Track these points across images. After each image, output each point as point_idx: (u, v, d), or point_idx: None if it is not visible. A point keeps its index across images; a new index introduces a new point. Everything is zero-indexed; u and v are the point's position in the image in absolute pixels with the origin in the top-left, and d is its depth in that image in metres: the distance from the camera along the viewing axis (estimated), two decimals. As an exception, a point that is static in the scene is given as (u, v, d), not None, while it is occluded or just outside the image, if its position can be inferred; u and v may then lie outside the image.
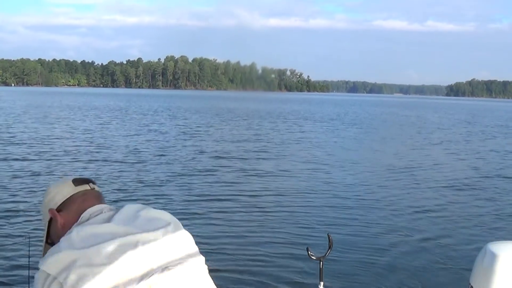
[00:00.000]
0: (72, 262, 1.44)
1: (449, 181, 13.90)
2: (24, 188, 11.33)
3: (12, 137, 21.80)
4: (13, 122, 30.10)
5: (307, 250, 2.94)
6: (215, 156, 17.61)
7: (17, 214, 9.10)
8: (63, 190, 1.77)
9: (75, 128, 27.66)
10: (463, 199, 11.64)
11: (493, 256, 2.67)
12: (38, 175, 12.99)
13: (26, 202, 10.08)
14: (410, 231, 8.68)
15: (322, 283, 3.03)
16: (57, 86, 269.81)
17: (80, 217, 1.67)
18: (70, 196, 1.75)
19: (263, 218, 9.37)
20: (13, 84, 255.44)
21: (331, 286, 5.58)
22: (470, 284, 2.85)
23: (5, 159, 15.55)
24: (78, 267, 1.43)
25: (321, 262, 2.98)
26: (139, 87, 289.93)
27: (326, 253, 2.97)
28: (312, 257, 2.96)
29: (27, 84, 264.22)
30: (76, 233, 1.54)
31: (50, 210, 1.73)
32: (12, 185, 11.56)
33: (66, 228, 1.65)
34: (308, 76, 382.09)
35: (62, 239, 1.54)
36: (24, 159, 15.69)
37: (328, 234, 3.01)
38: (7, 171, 13.38)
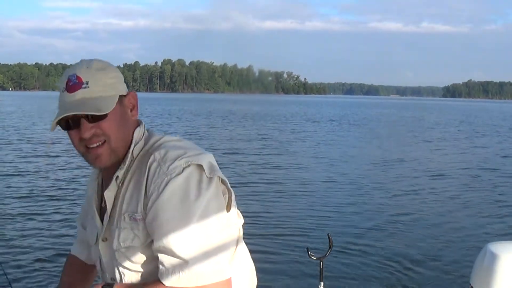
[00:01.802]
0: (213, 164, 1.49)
1: (448, 182, 13.88)
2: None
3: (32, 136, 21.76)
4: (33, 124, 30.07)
5: (307, 250, 2.93)
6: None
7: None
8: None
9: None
10: (463, 199, 11.62)
11: (493, 256, 2.67)
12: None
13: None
14: (410, 231, 8.66)
15: (322, 283, 3.02)
16: (54, 90, 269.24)
17: (143, 124, 1.62)
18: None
19: (263, 218, 9.35)
20: (10, 89, 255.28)
21: (331, 286, 5.58)
22: (470, 284, 2.85)
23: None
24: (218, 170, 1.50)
25: (321, 262, 2.96)
26: (136, 91, 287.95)
27: (326, 253, 2.96)
28: (312, 257, 2.95)
29: (25, 89, 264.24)
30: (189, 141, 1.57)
31: (132, 92, 1.59)
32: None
33: (132, 125, 1.56)
34: (305, 79, 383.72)
35: (188, 145, 1.52)
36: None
37: (328, 234, 3.00)
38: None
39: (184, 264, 1.38)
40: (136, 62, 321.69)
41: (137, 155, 1.53)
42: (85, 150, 1.50)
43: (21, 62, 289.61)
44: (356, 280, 6.45)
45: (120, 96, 1.51)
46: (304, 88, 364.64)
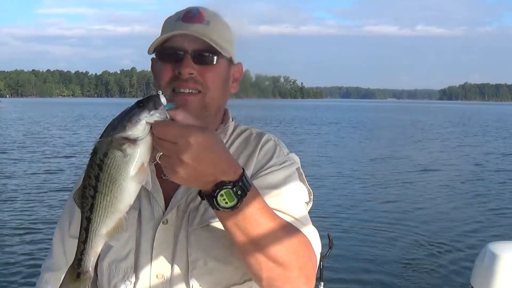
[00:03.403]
0: None
1: (449, 181, 13.95)
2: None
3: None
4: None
5: (307, 250, 2.92)
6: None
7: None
8: None
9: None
10: (463, 199, 11.67)
11: (493, 256, 2.68)
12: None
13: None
14: (410, 232, 8.68)
15: (322, 283, 3.02)
16: (51, 96, 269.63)
17: None
18: None
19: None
20: (8, 95, 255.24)
21: (331, 286, 5.58)
22: (470, 284, 2.85)
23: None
24: None
25: (321, 262, 2.96)
26: (133, 96, 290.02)
27: (326, 253, 2.96)
28: (312, 258, 2.95)
29: (22, 95, 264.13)
30: None
31: (241, 64, 1.44)
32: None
33: (227, 99, 1.43)
34: (301, 83, 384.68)
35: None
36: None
37: (328, 234, 3.00)
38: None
39: (297, 222, 1.26)
40: (133, 68, 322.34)
41: (233, 132, 1.42)
42: (171, 94, 1.27)
43: (18, 69, 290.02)
44: (356, 280, 6.47)
45: (230, 60, 1.35)
46: (301, 92, 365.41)
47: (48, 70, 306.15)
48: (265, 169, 1.31)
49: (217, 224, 1.22)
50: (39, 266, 1.35)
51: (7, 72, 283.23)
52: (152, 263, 1.29)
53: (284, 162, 1.34)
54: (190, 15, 1.30)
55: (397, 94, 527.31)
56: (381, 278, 6.58)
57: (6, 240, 8.01)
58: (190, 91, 1.27)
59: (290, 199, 1.29)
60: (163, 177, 1.30)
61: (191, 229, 1.27)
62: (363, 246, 7.81)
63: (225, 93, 1.36)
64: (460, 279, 6.17)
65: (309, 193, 1.44)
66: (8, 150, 20.40)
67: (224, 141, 1.34)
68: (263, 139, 1.38)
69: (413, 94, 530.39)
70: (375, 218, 9.62)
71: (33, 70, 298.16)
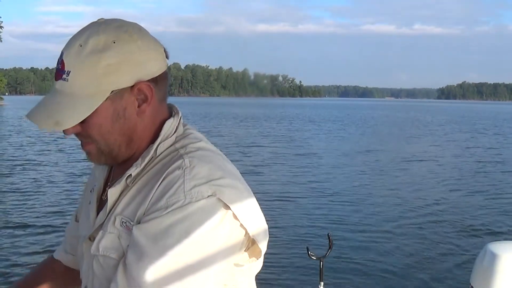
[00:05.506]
0: (242, 197, 1.14)
1: (449, 181, 13.95)
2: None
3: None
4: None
5: (307, 250, 2.93)
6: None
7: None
8: (159, 57, 1.15)
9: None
10: (463, 198, 11.65)
11: (493, 256, 2.66)
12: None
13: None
14: (410, 231, 8.68)
15: (322, 283, 3.02)
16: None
17: (179, 117, 1.21)
18: (164, 71, 1.16)
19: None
20: (7, 93, 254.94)
21: (331, 286, 5.58)
22: (470, 284, 2.84)
23: None
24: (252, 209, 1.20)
25: (321, 262, 2.96)
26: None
27: (326, 253, 2.96)
28: (312, 257, 2.95)
29: (21, 93, 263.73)
30: (219, 154, 1.17)
31: (141, 84, 1.11)
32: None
33: (147, 120, 1.15)
34: (300, 81, 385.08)
35: (210, 157, 1.13)
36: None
37: (328, 234, 3.00)
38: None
39: None
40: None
41: (161, 153, 1.16)
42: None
43: (17, 67, 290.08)
44: (356, 280, 6.45)
45: (119, 90, 1.10)
46: (300, 90, 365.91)
47: (46, 68, 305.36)
48: (150, 213, 1.06)
49: (109, 262, 1.13)
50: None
51: (6, 69, 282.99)
52: (83, 279, 1.25)
53: (173, 204, 1.04)
54: (56, 69, 1.13)
55: (395, 93, 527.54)
56: (381, 278, 6.55)
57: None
58: (85, 140, 1.17)
59: (157, 261, 1.02)
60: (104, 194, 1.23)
61: (91, 254, 1.17)
62: (363, 245, 7.79)
63: (129, 127, 1.14)
64: (460, 279, 6.15)
65: (257, 228, 1.26)
66: (24, 146, 21.02)
67: (136, 172, 1.14)
68: (172, 167, 1.09)
69: (411, 93, 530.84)
70: (375, 218, 9.60)
71: (31, 68, 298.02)
